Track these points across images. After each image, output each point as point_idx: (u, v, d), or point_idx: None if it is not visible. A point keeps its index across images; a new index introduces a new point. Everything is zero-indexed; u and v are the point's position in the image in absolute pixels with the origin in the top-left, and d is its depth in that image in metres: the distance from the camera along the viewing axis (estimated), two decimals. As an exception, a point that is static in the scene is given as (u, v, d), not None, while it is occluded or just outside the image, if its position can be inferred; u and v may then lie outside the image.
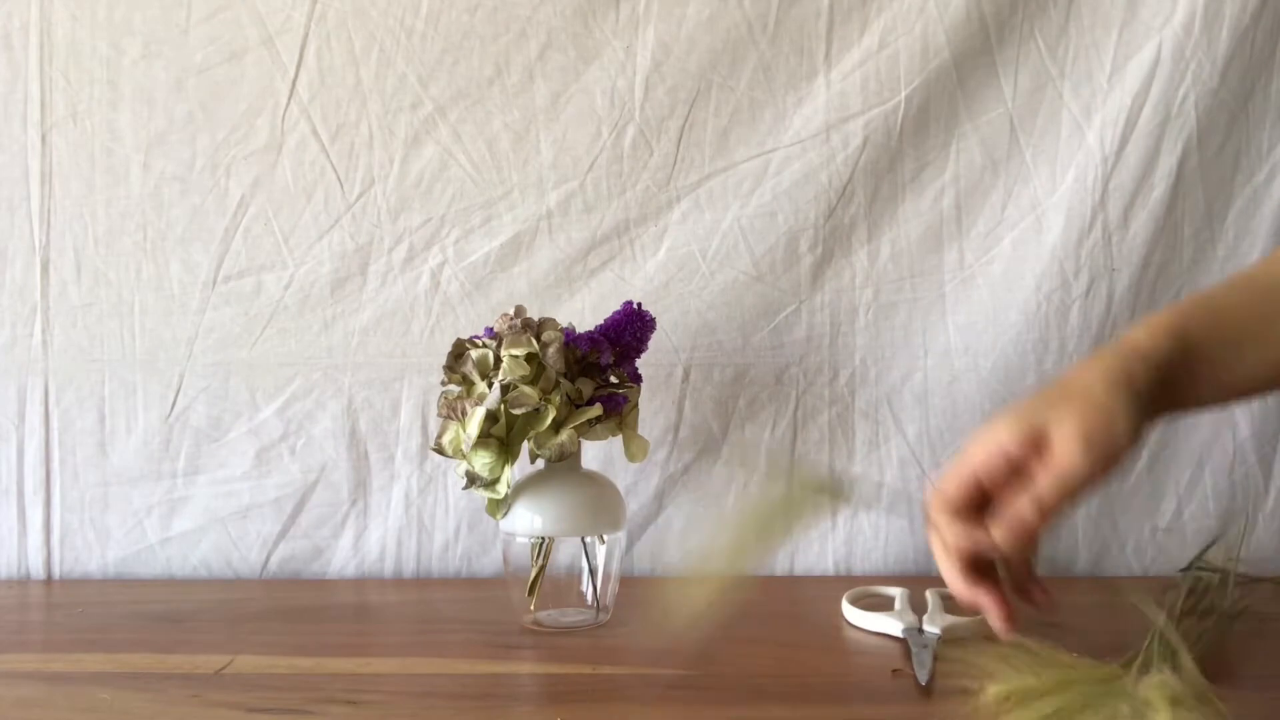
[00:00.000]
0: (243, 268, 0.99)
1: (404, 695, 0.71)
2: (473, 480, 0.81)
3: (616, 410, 0.84)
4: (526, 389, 0.79)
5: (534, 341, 0.81)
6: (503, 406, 0.79)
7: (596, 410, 0.82)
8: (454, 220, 0.99)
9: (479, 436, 0.79)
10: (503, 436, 0.81)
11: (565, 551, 0.85)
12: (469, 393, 0.81)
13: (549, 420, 0.80)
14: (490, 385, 0.80)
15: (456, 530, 1.01)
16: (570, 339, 0.84)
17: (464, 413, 0.80)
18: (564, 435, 0.81)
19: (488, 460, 0.80)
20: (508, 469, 0.81)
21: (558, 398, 0.81)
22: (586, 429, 0.83)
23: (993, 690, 0.61)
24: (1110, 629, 0.73)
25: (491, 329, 0.84)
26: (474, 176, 0.99)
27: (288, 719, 0.68)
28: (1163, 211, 0.98)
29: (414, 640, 0.83)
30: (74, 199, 0.99)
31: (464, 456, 0.81)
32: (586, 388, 0.83)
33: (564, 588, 0.86)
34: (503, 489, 0.81)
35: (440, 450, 0.82)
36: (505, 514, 0.83)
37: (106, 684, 0.73)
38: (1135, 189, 0.97)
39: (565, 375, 0.82)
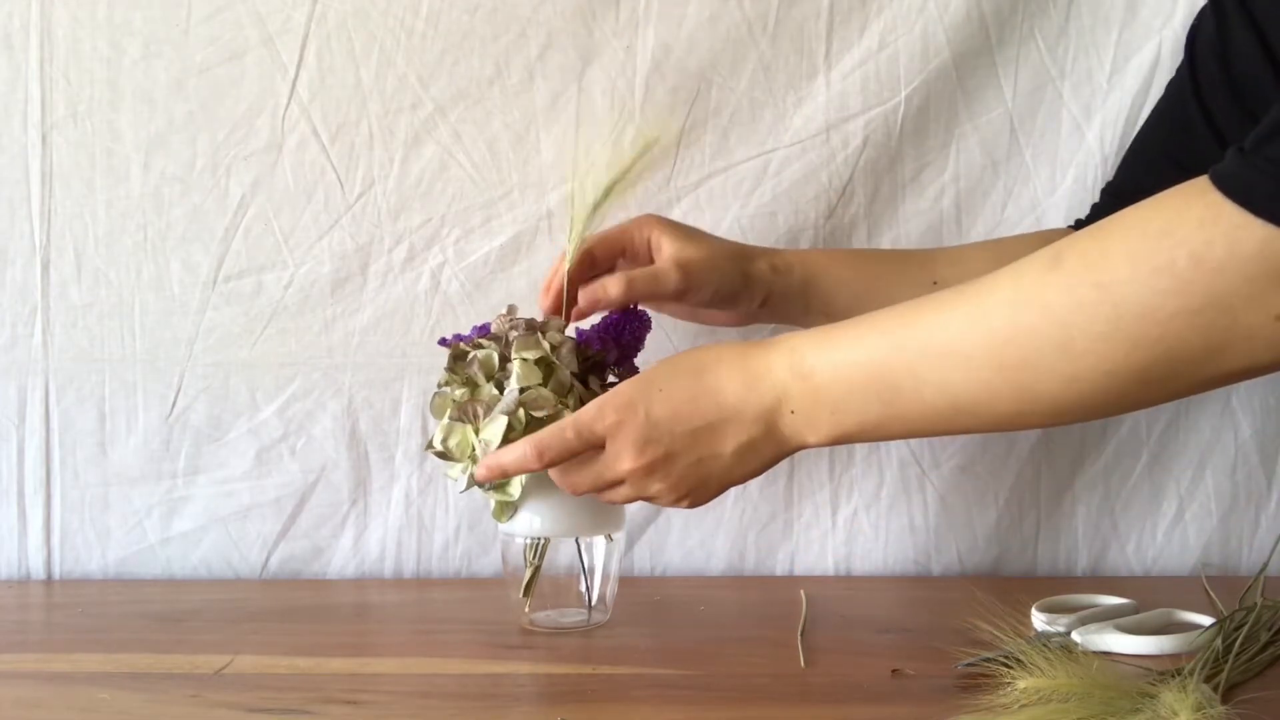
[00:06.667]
0: (243, 268, 0.99)
1: (404, 695, 0.71)
2: (483, 483, 0.80)
3: (617, 410, 0.84)
4: (544, 391, 0.79)
5: (543, 343, 0.80)
6: (520, 410, 0.78)
7: (599, 410, 0.82)
8: (454, 220, 0.99)
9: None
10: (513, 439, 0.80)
11: (565, 552, 0.85)
12: (475, 395, 0.80)
13: (560, 421, 0.79)
14: (497, 387, 0.79)
15: (456, 530, 1.01)
16: (582, 338, 0.84)
17: (475, 415, 0.79)
18: (566, 435, 0.80)
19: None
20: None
21: (572, 400, 0.80)
22: (588, 429, 0.82)
23: (1023, 684, 0.61)
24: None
25: (481, 327, 0.83)
26: (474, 176, 0.99)
27: (288, 719, 0.68)
28: (1163, 211, 0.97)
29: (414, 640, 0.83)
30: (74, 199, 0.99)
31: (475, 461, 0.79)
32: (595, 387, 0.83)
33: (563, 588, 0.85)
34: (515, 489, 0.80)
35: (446, 454, 0.79)
36: (511, 517, 0.82)
37: (106, 684, 0.73)
38: (1135, 189, 0.97)
39: (576, 376, 0.81)
